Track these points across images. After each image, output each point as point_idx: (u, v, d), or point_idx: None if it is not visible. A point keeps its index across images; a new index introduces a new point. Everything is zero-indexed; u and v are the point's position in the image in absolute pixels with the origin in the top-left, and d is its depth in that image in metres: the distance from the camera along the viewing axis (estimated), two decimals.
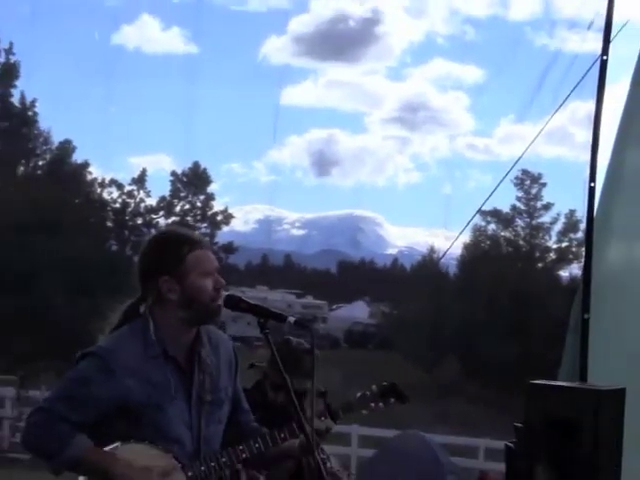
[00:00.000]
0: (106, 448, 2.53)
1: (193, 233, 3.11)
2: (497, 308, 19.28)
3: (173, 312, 2.59)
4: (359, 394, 3.04)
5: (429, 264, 23.27)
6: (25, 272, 20.05)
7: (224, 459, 2.63)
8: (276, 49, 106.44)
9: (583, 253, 4.04)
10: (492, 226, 23.26)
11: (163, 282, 2.52)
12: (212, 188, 29.75)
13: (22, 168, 26.92)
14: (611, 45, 3.74)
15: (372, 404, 2.95)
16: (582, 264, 4.30)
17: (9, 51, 25.84)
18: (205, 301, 2.56)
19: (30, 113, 26.21)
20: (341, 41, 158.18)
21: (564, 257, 21.72)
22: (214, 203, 29.82)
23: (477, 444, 10.27)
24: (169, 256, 2.56)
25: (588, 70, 3.53)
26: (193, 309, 2.58)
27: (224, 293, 2.71)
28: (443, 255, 22.04)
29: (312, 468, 3.29)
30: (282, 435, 2.74)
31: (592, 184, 3.80)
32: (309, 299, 26.70)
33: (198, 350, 2.68)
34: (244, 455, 2.70)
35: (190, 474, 2.58)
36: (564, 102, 3.53)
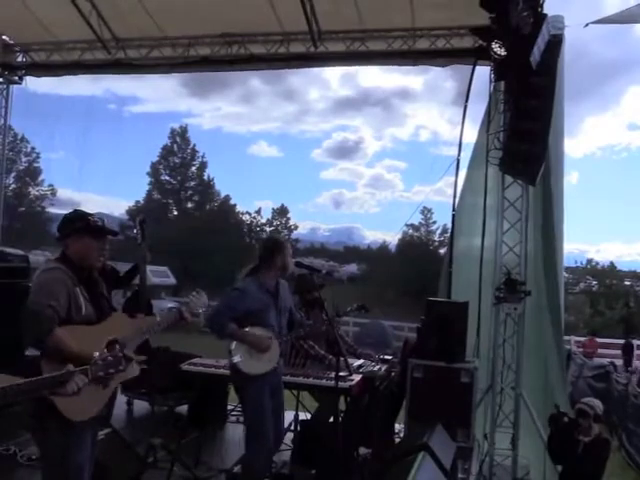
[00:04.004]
0: (244, 329, 4.87)
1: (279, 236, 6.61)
2: (412, 268, 38.62)
3: (272, 272, 5.04)
4: (349, 308, 5.84)
5: (383, 248, 44.03)
6: None
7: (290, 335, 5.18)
8: None
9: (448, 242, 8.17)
10: (411, 231, 46.59)
11: (275, 259, 4.98)
12: None
13: None
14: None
15: (354, 311, 5.91)
16: (449, 247, 7.99)
17: None
18: (286, 267, 5.09)
19: None
20: None
21: (442, 244, 40.63)
22: None
23: (403, 326, 19.84)
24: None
25: (452, 163, 7.67)
26: (279, 271, 5.08)
27: (293, 260, 5.16)
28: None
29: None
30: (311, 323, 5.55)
31: (453, 212, 7.54)
32: (331, 262, 40.74)
33: (278, 287, 5.02)
34: (296, 333, 5.29)
35: (277, 340, 4.92)
36: (443, 175, 7.62)
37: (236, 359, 4.81)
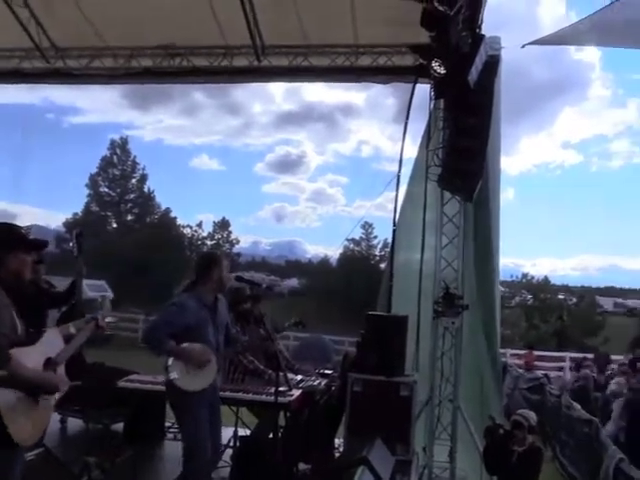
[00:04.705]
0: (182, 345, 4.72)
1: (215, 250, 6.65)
2: (353, 282, 38.51)
3: (209, 287, 4.92)
4: (286, 324, 6.28)
5: (325, 262, 44.92)
6: None
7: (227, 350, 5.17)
8: None
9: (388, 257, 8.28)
10: (352, 245, 46.85)
11: (212, 274, 4.88)
12: None
13: None
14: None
15: (291, 326, 6.17)
16: (389, 261, 8.02)
17: None
18: (223, 282, 4.97)
19: None
20: None
21: (382, 259, 40.93)
22: None
23: (344, 340, 19.90)
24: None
25: (392, 179, 7.77)
26: (217, 286, 4.96)
27: (233, 275, 5.64)
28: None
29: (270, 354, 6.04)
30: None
31: (394, 227, 7.61)
32: (272, 276, 42.06)
33: (216, 303, 4.94)
34: (232, 349, 5.44)
35: (215, 357, 4.82)
36: (384, 190, 7.73)
37: (173, 375, 4.72)
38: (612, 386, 12.10)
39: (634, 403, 10.07)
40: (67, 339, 3.66)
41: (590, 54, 68.60)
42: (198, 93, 56.90)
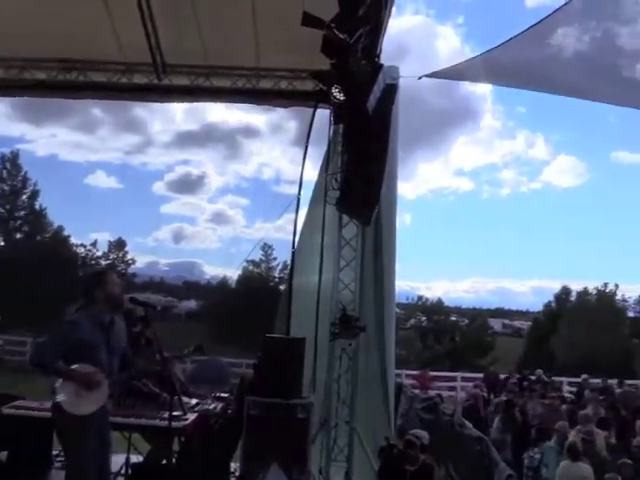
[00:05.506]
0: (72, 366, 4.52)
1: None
2: (252, 304, 35.22)
3: (99, 306, 4.72)
4: (185, 351, 5.48)
5: (224, 283, 42.65)
6: None
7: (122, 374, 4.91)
8: None
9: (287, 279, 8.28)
10: (251, 267, 45.42)
11: (98, 292, 4.74)
12: None
13: None
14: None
15: (191, 353, 5.57)
16: (288, 284, 8.14)
17: None
18: (112, 299, 4.76)
19: None
20: None
21: (282, 281, 40.27)
22: None
23: (242, 362, 18.75)
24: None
25: (292, 202, 7.84)
26: (107, 303, 4.76)
27: (127, 296, 5.25)
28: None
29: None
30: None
31: (293, 250, 7.72)
32: (169, 298, 42.73)
33: (112, 324, 4.76)
34: (128, 373, 5.08)
35: (107, 380, 4.62)
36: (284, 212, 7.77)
37: (60, 398, 4.51)
38: (491, 407, 12.62)
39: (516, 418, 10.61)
40: None
41: (483, 87, 71.65)
42: (96, 109, 55.18)
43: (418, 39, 66.85)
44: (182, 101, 8.64)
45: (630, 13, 5.55)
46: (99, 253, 49.30)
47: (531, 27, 5.80)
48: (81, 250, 48.62)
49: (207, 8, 6.98)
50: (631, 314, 47.79)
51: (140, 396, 6.03)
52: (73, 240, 47.98)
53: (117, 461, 5.88)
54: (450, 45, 68.82)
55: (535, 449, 8.91)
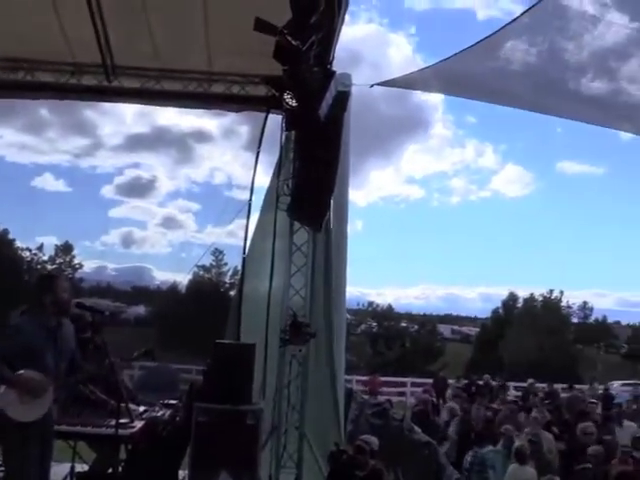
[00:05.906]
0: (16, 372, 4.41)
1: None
2: (202, 309, 35.46)
3: (46, 310, 4.65)
4: (135, 354, 5.59)
5: (174, 288, 42.40)
6: None
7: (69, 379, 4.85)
8: None
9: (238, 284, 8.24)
10: (202, 272, 45.60)
11: (46, 296, 4.65)
12: None
13: None
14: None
15: (140, 357, 5.66)
16: (238, 289, 8.08)
17: None
18: (60, 303, 4.67)
19: None
20: None
21: (233, 286, 38.42)
22: None
23: (191, 369, 17.96)
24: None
25: (243, 207, 7.80)
26: (54, 308, 4.67)
27: (74, 301, 5.08)
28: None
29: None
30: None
31: (244, 255, 7.73)
32: (118, 303, 40.75)
33: (59, 327, 4.69)
34: (75, 378, 5.04)
35: (53, 385, 4.55)
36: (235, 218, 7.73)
37: (2, 404, 4.38)
38: (444, 413, 12.77)
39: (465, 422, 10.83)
40: None
41: (434, 96, 73.17)
42: (44, 109, 53.97)
43: (371, 47, 67.66)
44: (132, 103, 8.52)
45: (576, 28, 5.70)
46: (45, 257, 48.44)
47: (482, 40, 5.91)
48: (27, 254, 47.67)
49: (159, 10, 6.89)
50: (575, 320, 49.10)
51: (87, 404, 5.89)
52: (18, 244, 46.92)
53: (61, 471, 5.75)
54: (402, 54, 69.94)
55: (476, 451, 9.02)
